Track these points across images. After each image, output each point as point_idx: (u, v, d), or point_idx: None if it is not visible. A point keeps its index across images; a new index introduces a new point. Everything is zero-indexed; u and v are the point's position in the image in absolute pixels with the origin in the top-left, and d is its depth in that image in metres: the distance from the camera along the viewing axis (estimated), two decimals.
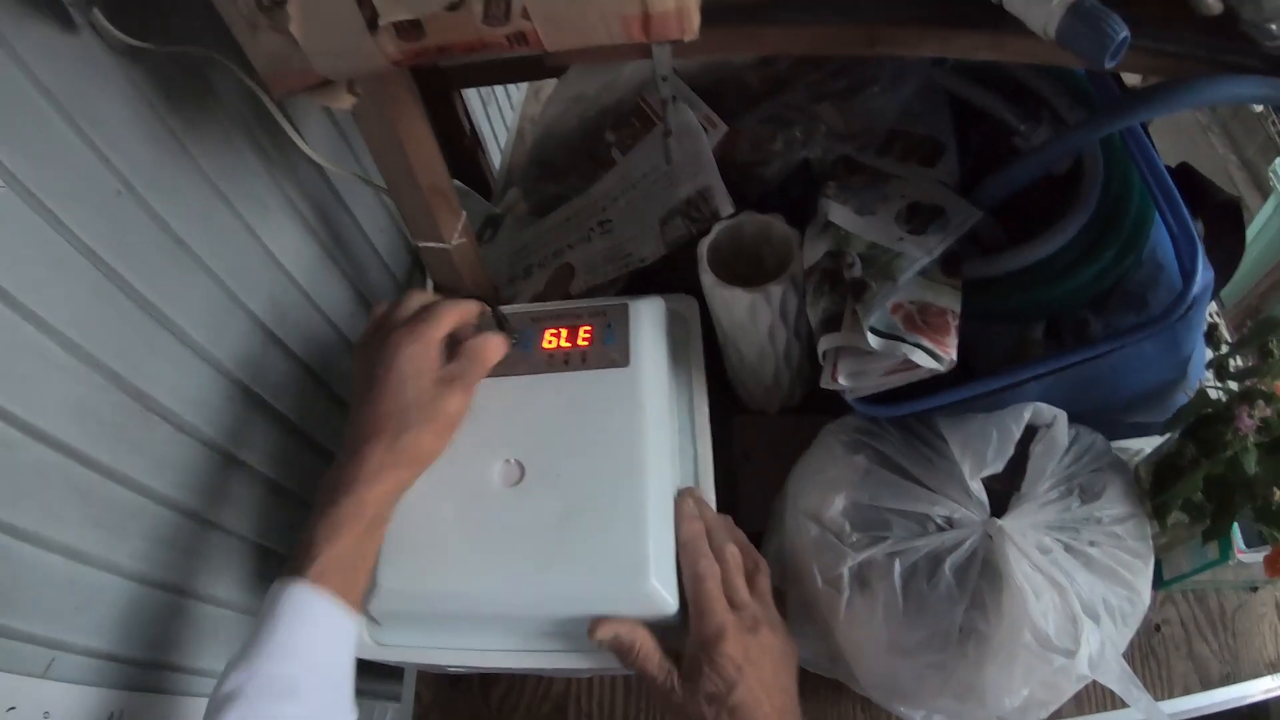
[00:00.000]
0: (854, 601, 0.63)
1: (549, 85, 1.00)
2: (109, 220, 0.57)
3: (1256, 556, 0.69)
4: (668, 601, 0.59)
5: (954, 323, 0.61)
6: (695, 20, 0.52)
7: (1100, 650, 0.60)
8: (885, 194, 0.67)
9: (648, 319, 0.67)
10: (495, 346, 0.63)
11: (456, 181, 0.88)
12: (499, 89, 1.06)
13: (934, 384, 0.63)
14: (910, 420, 0.67)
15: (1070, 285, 0.67)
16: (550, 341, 0.67)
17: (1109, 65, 0.48)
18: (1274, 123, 1.43)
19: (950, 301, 0.62)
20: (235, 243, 0.71)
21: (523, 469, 0.63)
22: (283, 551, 0.76)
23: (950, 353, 0.59)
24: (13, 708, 0.51)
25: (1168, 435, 0.68)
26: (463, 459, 0.64)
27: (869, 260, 0.62)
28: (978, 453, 0.63)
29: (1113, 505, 0.64)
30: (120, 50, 0.57)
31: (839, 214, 0.66)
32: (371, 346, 0.62)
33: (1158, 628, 0.74)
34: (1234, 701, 0.71)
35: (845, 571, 0.63)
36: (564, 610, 0.60)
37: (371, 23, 0.50)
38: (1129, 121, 0.61)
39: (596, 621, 0.58)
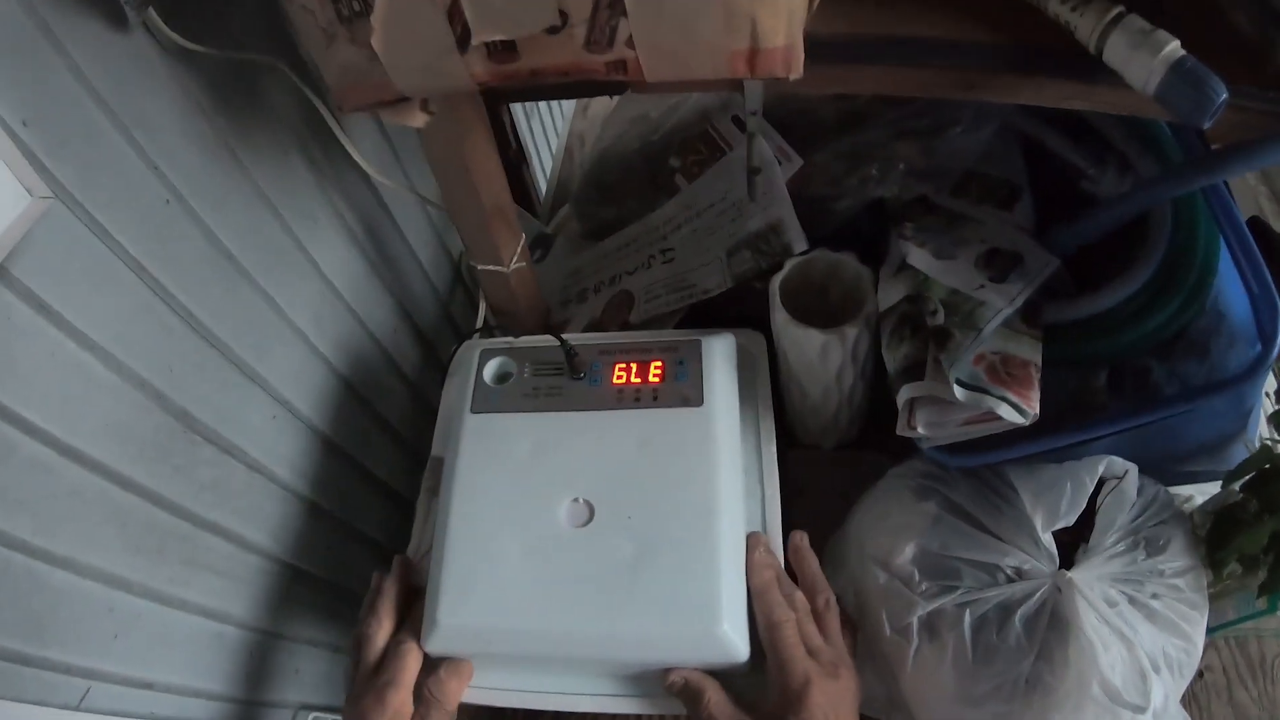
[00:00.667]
0: (922, 651, 0.62)
1: (595, 102, 0.98)
2: (156, 231, 0.55)
3: None
4: (739, 648, 0.58)
5: (1036, 375, 0.60)
6: (801, 58, 0.51)
7: (1164, 704, 0.60)
8: (963, 237, 0.66)
9: (720, 356, 0.66)
10: (464, 681, 0.62)
11: None
12: (543, 104, 1.04)
13: (1007, 434, 0.63)
14: (978, 467, 0.66)
15: (1135, 334, 0.67)
16: (620, 377, 0.66)
17: (1206, 125, 0.48)
18: None
19: (1031, 353, 0.61)
20: (284, 257, 0.68)
21: (591, 509, 0.62)
22: (318, 574, 0.74)
23: (1034, 407, 0.59)
24: None
25: (1225, 486, 0.68)
26: (530, 496, 0.62)
27: (951, 307, 0.62)
28: (1050, 505, 0.63)
29: (1175, 558, 0.64)
30: (174, 52, 0.55)
31: (917, 257, 0.65)
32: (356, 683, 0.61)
33: (1201, 674, 0.75)
34: None
35: (914, 620, 0.62)
36: (630, 655, 0.59)
37: (462, 41, 0.49)
38: (1218, 178, 0.60)
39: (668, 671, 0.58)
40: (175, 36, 0.53)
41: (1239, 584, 0.69)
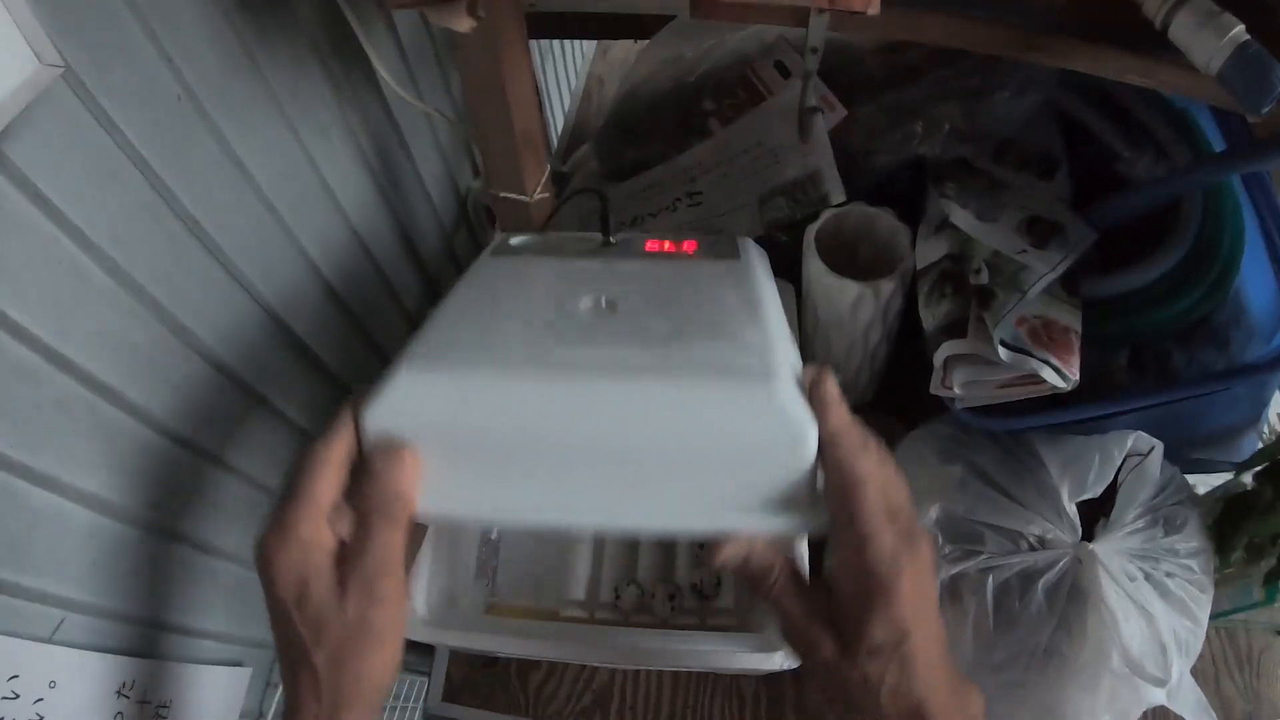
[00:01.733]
0: (943, 614, 0.60)
1: (617, 45, 0.94)
2: (166, 128, 0.50)
3: None
4: (804, 425, 0.41)
5: (1077, 342, 0.59)
6: None
7: (1179, 680, 0.60)
8: (1004, 202, 0.64)
9: (755, 252, 0.59)
10: (406, 473, 0.43)
11: None
12: (557, 46, 1.00)
13: (1034, 402, 0.62)
14: (1002, 434, 0.65)
15: (1159, 316, 0.66)
16: (653, 247, 0.59)
17: (1264, 111, 0.48)
18: None
19: (1072, 319, 0.60)
20: (295, 172, 0.64)
21: (617, 306, 0.50)
22: None
23: (1075, 372, 0.58)
24: (15, 676, 0.44)
25: (1238, 475, 0.68)
26: (543, 294, 0.53)
27: (995, 269, 0.60)
28: (1078, 476, 0.62)
29: (1189, 539, 0.64)
30: None
31: (961, 217, 0.63)
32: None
33: None
34: None
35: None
36: (654, 436, 0.41)
37: None
38: (1257, 167, 0.60)
39: (719, 543, 0.43)
40: None
41: (1241, 572, 0.69)
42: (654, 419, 0.41)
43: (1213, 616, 0.73)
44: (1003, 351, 0.57)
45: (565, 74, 0.99)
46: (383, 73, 0.65)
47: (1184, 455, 0.71)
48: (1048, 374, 0.57)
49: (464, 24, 0.57)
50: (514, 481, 0.43)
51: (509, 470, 0.43)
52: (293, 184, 0.63)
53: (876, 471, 0.41)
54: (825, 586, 0.43)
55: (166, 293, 0.52)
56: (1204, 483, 0.76)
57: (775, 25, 0.66)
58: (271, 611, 0.41)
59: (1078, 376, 0.58)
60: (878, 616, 0.40)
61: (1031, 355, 0.57)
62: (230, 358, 0.58)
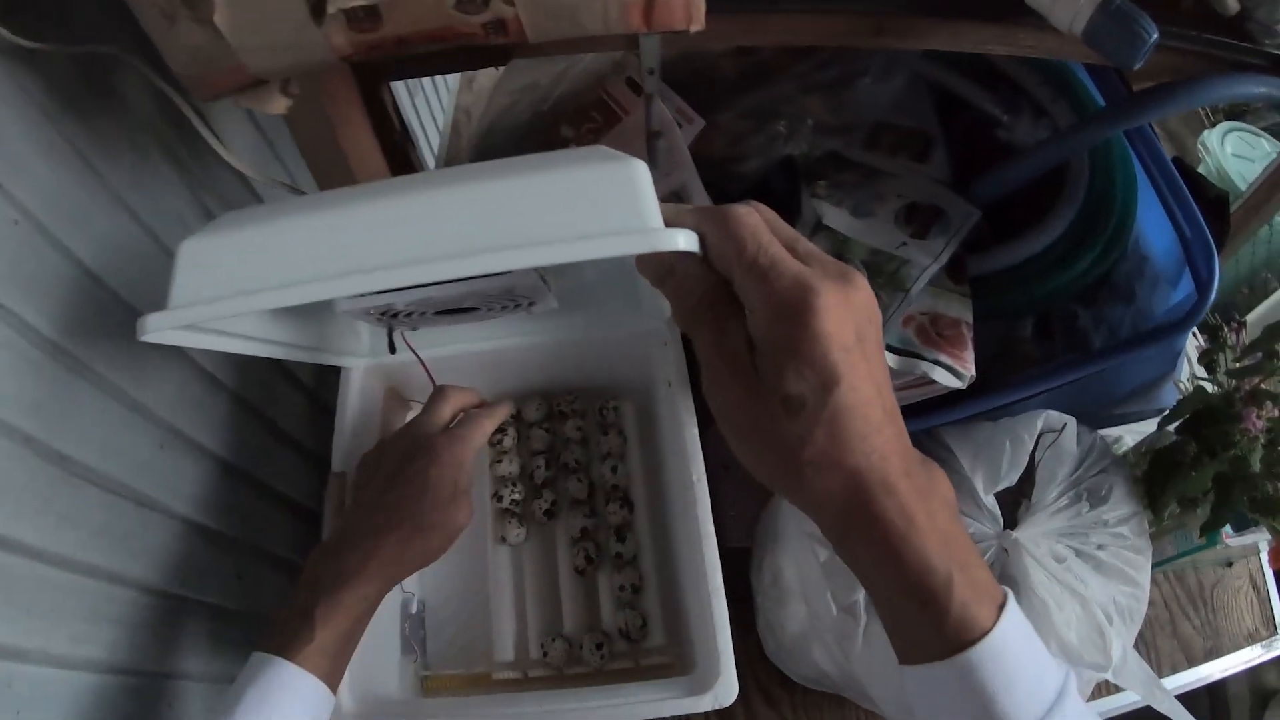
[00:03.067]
0: (872, 627, 0.57)
1: (484, 73, 0.89)
2: (6, 255, 0.46)
3: (1242, 540, 0.67)
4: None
5: (969, 334, 0.55)
6: (702, 8, 0.44)
7: (1123, 657, 0.57)
8: (879, 193, 0.60)
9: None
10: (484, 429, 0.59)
11: None
12: (425, 80, 0.94)
13: (944, 397, 0.58)
14: (915, 434, 0.61)
15: (1059, 280, 0.63)
16: None
17: (1136, 66, 0.44)
18: None
19: (961, 311, 0.56)
20: (151, 268, 0.59)
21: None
22: (231, 606, 0.66)
23: (970, 368, 0.54)
24: None
25: (1161, 428, 0.64)
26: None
27: (874, 268, 0.56)
28: (991, 466, 0.58)
29: (1117, 506, 0.61)
30: (10, 54, 0.46)
31: (834, 216, 0.59)
32: (404, 443, 0.56)
33: None
34: (1217, 675, 0.70)
35: (861, 597, 0.57)
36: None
37: (317, 10, 0.42)
38: (1142, 120, 0.56)
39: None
40: (10, 36, 0.44)
41: (1177, 523, 0.66)
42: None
43: (1158, 564, 0.70)
44: (890, 358, 0.53)
45: (435, 111, 0.94)
46: (225, 155, 0.60)
47: (1104, 416, 0.67)
48: (940, 375, 0.53)
49: (278, 106, 0.52)
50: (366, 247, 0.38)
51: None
52: (151, 281, 0.58)
53: (755, 213, 0.34)
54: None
55: (36, 424, 0.47)
56: (1133, 432, 0.72)
57: (605, 51, 0.61)
58: (393, 485, 0.53)
59: (973, 371, 0.54)
60: (791, 358, 0.31)
61: (922, 357, 0.53)
62: (119, 473, 0.54)
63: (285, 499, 0.74)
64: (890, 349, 0.53)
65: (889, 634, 0.35)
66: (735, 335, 0.34)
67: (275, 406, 0.73)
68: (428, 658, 0.65)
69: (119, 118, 0.56)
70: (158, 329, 0.40)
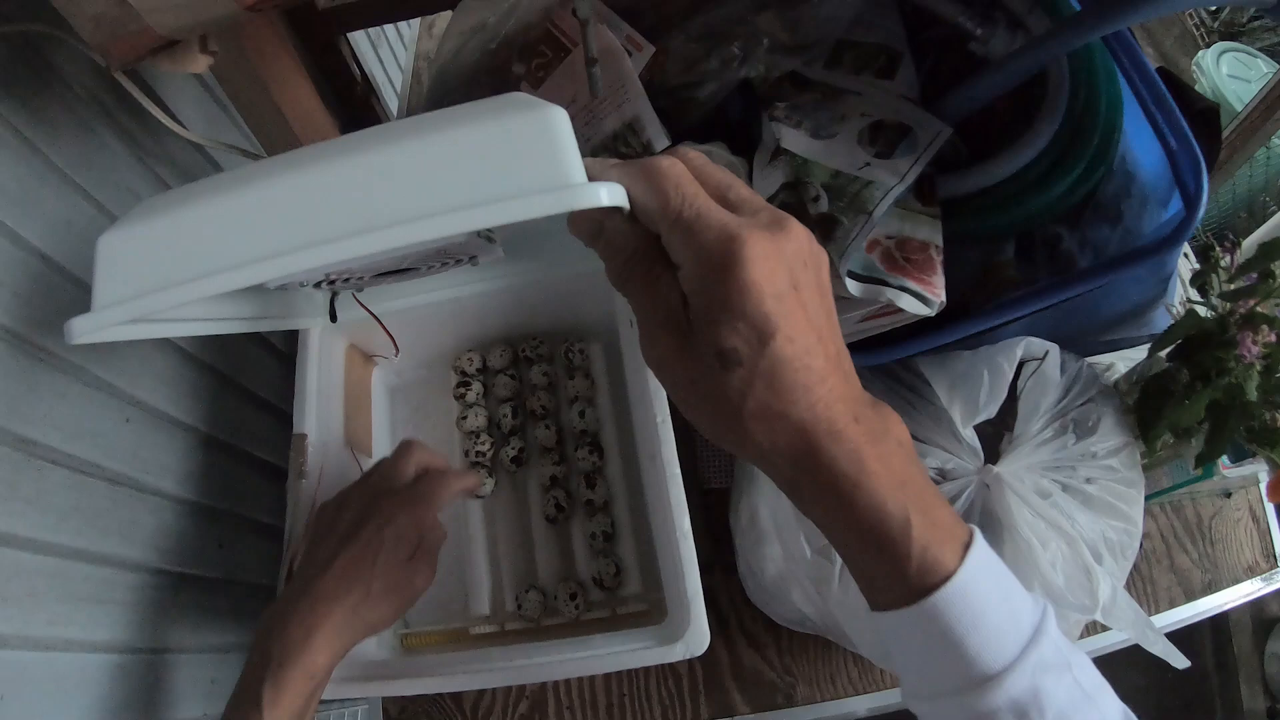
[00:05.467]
0: (846, 570, 0.51)
1: (441, 18, 0.82)
2: None
3: (1240, 471, 0.60)
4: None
5: (938, 258, 0.48)
6: None
7: (1112, 596, 0.50)
8: (842, 113, 0.53)
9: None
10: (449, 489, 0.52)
11: None
12: (389, 28, 0.87)
13: (915, 325, 0.51)
14: (888, 364, 0.54)
15: (1041, 201, 0.55)
16: None
17: None
18: (1192, 15, 1.30)
19: (930, 233, 0.49)
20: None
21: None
22: (214, 576, 0.61)
23: (939, 294, 0.47)
24: None
25: (1152, 354, 0.57)
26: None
27: (836, 191, 0.49)
28: (968, 398, 0.51)
29: (1107, 437, 0.54)
30: None
31: (792, 139, 0.52)
32: (359, 501, 0.51)
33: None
34: (1216, 609, 0.63)
35: None
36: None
37: None
38: (1124, 22, 0.48)
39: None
40: None
41: (1172, 453, 0.59)
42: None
43: (1152, 496, 0.63)
44: (851, 284, 0.46)
45: (395, 58, 0.86)
46: (162, 117, 0.54)
47: (1091, 343, 0.60)
48: (906, 301, 0.46)
49: (198, 65, 0.46)
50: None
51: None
52: None
53: (678, 162, 0.30)
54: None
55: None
56: (1125, 359, 0.65)
57: None
58: (346, 546, 0.47)
59: (943, 297, 0.47)
60: (723, 312, 0.28)
61: (886, 284, 0.47)
62: (84, 452, 0.49)
63: (263, 463, 0.69)
64: (853, 275, 0.47)
65: (856, 581, 0.32)
66: (668, 292, 0.30)
67: (246, 371, 0.68)
68: (408, 616, 0.59)
69: (58, 94, 0.51)
70: (84, 333, 0.34)
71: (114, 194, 0.54)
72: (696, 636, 0.48)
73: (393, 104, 0.82)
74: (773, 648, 0.63)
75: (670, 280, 0.30)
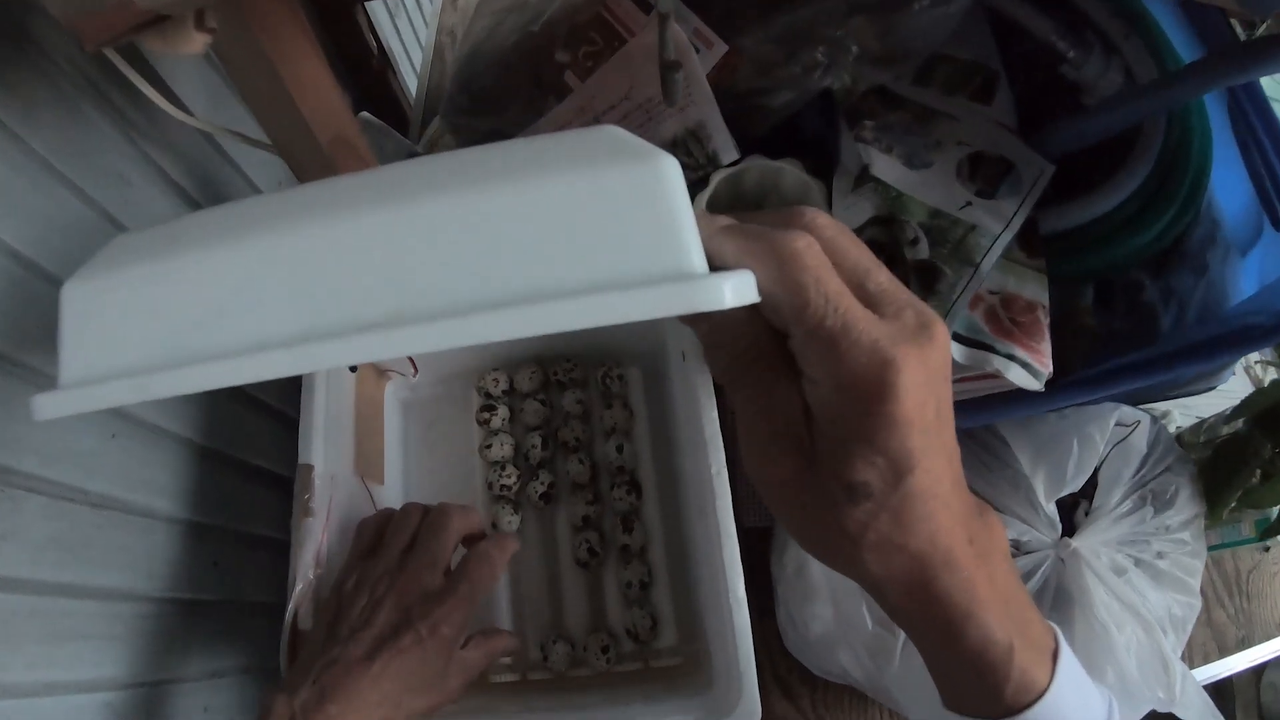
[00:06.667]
0: (910, 647, 0.46)
1: None
2: None
3: None
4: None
5: (1045, 320, 0.42)
6: None
7: (1182, 687, 0.46)
8: (936, 139, 0.46)
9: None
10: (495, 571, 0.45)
11: (369, 115, 0.60)
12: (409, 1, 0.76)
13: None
14: (967, 429, 0.48)
15: (1130, 245, 0.49)
16: None
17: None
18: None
19: (1037, 291, 0.43)
20: (89, 237, 0.45)
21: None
22: (211, 598, 0.53)
23: (1047, 364, 0.41)
24: None
25: (1230, 420, 0.52)
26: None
27: (936, 234, 0.42)
28: (1055, 468, 0.46)
29: (1181, 511, 0.49)
30: None
31: (884, 166, 0.45)
32: (393, 596, 0.43)
33: None
34: (1248, 665, 0.60)
35: None
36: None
37: None
38: (1259, 75, 0.41)
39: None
40: None
41: (1234, 518, 0.54)
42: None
43: None
44: (956, 350, 0.40)
45: (421, 30, 0.76)
46: (155, 98, 0.45)
47: (1161, 397, 0.55)
48: (1015, 374, 0.40)
49: (194, 45, 0.38)
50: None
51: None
52: (92, 249, 0.43)
53: (813, 240, 0.24)
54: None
55: None
56: (1180, 406, 0.60)
57: None
58: (376, 655, 0.40)
59: (1050, 368, 0.41)
60: (861, 444, 0.24)
61: (994, 350, 0.40)
62: (62, 476, 0.41)
63: (261, 471, 0.61)
64: (957, 338, 0.40)
65: (937, 683, 0.30)
66: (786, 401, 0.26)
67: None
68: None
69: (38, 68, 0.42)
70: (51, 414, 0.26)
71: (101, 182, 0.45)
72: (748, 708, 0.43)
73: (411, 82, 0.72)
74: (807, 699, 0.58)
75: (790, 387, 0.26)
